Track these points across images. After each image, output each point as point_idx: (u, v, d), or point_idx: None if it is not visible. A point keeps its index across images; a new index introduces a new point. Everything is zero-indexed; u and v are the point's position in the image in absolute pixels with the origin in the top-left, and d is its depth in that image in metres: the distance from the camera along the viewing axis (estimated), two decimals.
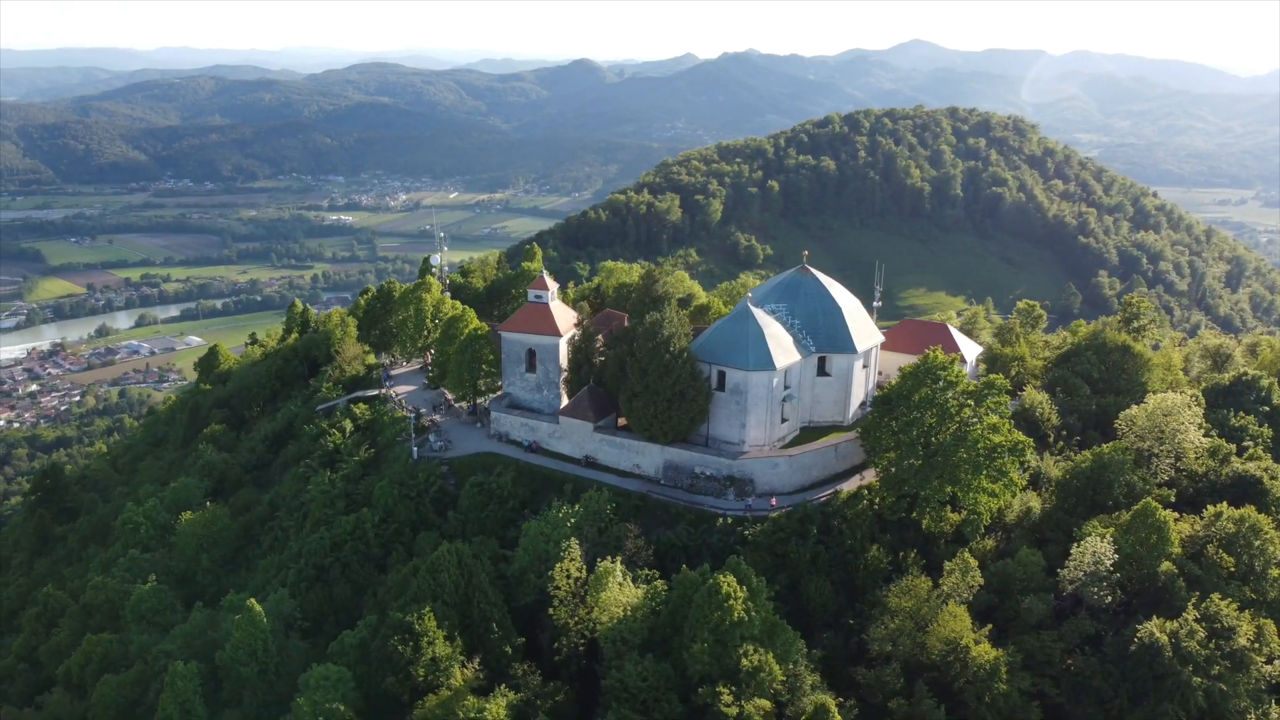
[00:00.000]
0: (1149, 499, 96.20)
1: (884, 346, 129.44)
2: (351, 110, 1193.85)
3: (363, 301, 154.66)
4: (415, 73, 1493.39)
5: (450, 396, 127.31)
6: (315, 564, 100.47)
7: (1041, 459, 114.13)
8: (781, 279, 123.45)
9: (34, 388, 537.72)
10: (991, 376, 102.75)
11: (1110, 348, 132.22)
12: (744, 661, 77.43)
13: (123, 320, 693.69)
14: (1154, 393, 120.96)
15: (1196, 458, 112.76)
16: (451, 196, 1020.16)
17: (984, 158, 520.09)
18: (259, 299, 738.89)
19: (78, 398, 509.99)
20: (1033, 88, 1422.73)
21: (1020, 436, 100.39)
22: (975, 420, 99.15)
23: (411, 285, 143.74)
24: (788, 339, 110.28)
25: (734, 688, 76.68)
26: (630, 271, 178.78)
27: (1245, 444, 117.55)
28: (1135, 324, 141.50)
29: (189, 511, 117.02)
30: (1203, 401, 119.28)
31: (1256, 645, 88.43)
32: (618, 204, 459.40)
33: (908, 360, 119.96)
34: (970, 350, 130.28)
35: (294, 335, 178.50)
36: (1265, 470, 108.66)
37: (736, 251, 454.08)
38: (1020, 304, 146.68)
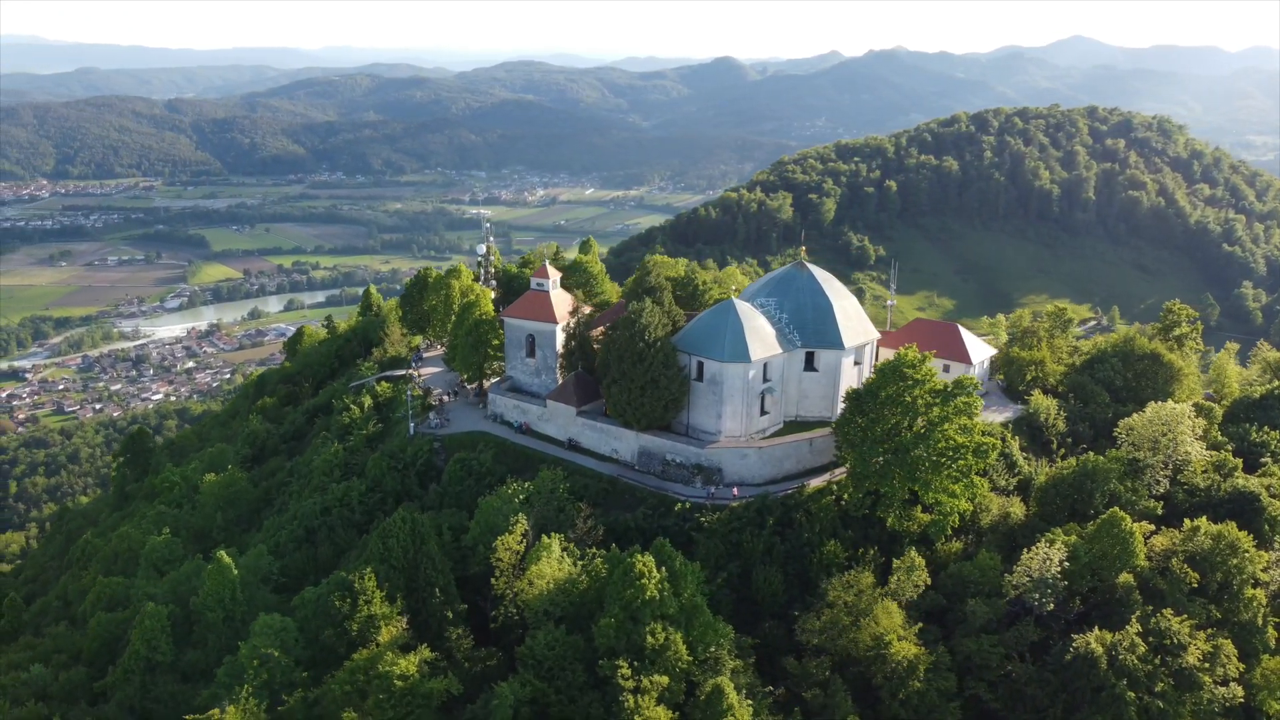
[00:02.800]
0: (1116, 509, 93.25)
1: (894, 345, 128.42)
2: (497, 107, 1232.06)
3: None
4: (560, 70, 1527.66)
5: (464, 378, 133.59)
6: (305, 526, 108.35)
7: (1035, 465, 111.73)
8: (777, 274, 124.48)
9: (190, 364, 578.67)
10: (963, 377, 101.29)
11: (1137, 355, 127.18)
12: (649, 639, 79.89)
13: (273, 304, 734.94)
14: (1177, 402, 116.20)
15: (1203, 472, 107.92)
16: (587, 193, 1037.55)
17: (1122, 160, 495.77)
18: (398, 287, 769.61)
19: (228, 375, 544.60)
20: (1202, 86, 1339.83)
21: (986, 439, 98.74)
22: (942, 419, 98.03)
23: (443, 272, 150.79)
24: (770, 333, 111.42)
25: (637, 663, 79.28)
26: (675, 266, 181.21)
27: (1263, 460, 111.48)
28: (1174, 332, 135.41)
29: (212, 474, 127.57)
30: (1218, 414, 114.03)
31: (1208, 665, 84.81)
32: (729, 201, 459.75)
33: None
34: (980, 352, 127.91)
35: (357, 318, 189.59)
36: (1267, 488, 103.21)
37: (848, 252, 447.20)
38: (1049, 307, 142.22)
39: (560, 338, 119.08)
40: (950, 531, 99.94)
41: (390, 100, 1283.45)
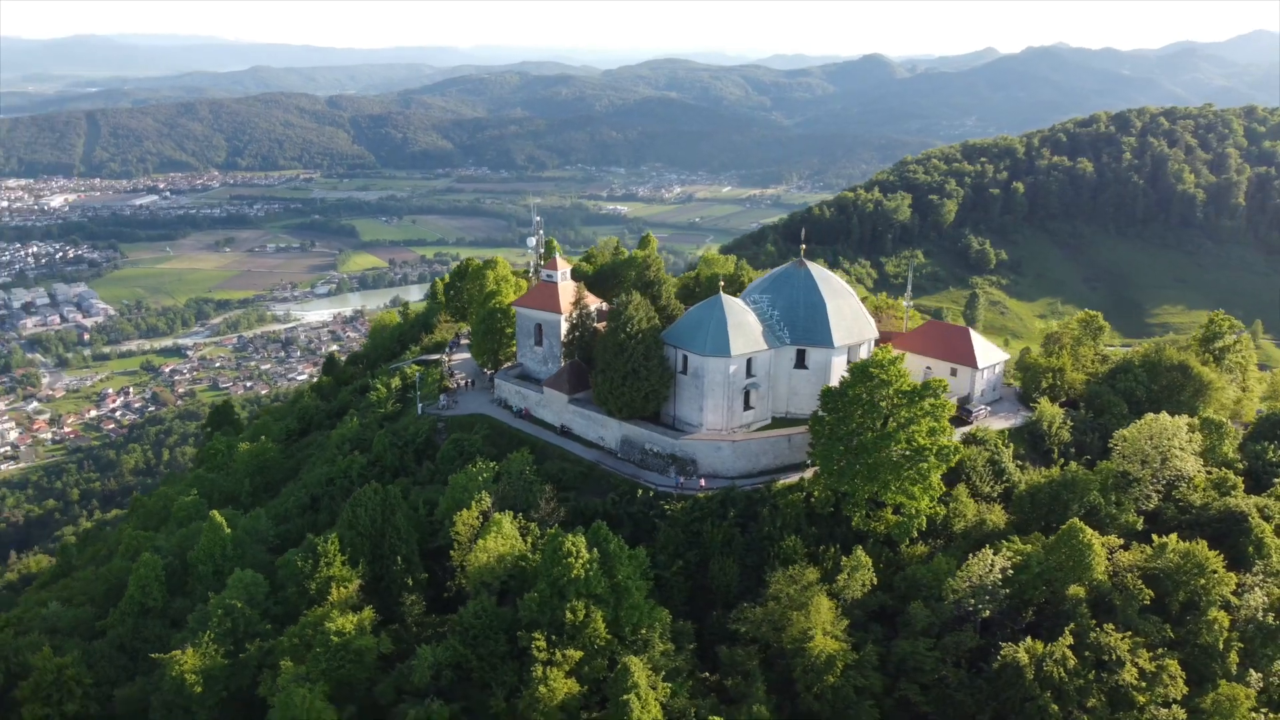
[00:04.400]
0: (1075, 520, 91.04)
1: (904, 347, 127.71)
2: (639, 105, 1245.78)
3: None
4: (704, 68, 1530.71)
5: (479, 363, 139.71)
6: (311, 494, 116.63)
7: (1025, 474, 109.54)
8: (776, 271, 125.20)
9: (334, 347, 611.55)
10: (933, 379, 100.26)
11: (1165, 366, 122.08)
12: (569, 615, 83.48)
13: (415, 293, 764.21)
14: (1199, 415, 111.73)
15: (1204, 488, 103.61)
16: (724, 190, 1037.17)
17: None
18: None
19: None
20: None
21: (948, 442, 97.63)
22: (908, 421, 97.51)
23: (480, 262, 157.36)
24: (756, 329, 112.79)
25: (555, 636, 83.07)
26: (726, 263, 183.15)
27: (1276, 480, 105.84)
28: (1216, 344, 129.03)
29: (246, 443, 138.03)
30: (1230, 430, 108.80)
31: (1145, 685, 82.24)
32: (845, 201, 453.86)
33: (928, 361, 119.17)
34: (990, 357, 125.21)
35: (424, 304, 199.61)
36: (1261, 509, 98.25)
37: (967, 255, 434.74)
38: (1080, 314, 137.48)
39: (565, 327, 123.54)
40: (916, 534, 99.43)
41: (536, 97, 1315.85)
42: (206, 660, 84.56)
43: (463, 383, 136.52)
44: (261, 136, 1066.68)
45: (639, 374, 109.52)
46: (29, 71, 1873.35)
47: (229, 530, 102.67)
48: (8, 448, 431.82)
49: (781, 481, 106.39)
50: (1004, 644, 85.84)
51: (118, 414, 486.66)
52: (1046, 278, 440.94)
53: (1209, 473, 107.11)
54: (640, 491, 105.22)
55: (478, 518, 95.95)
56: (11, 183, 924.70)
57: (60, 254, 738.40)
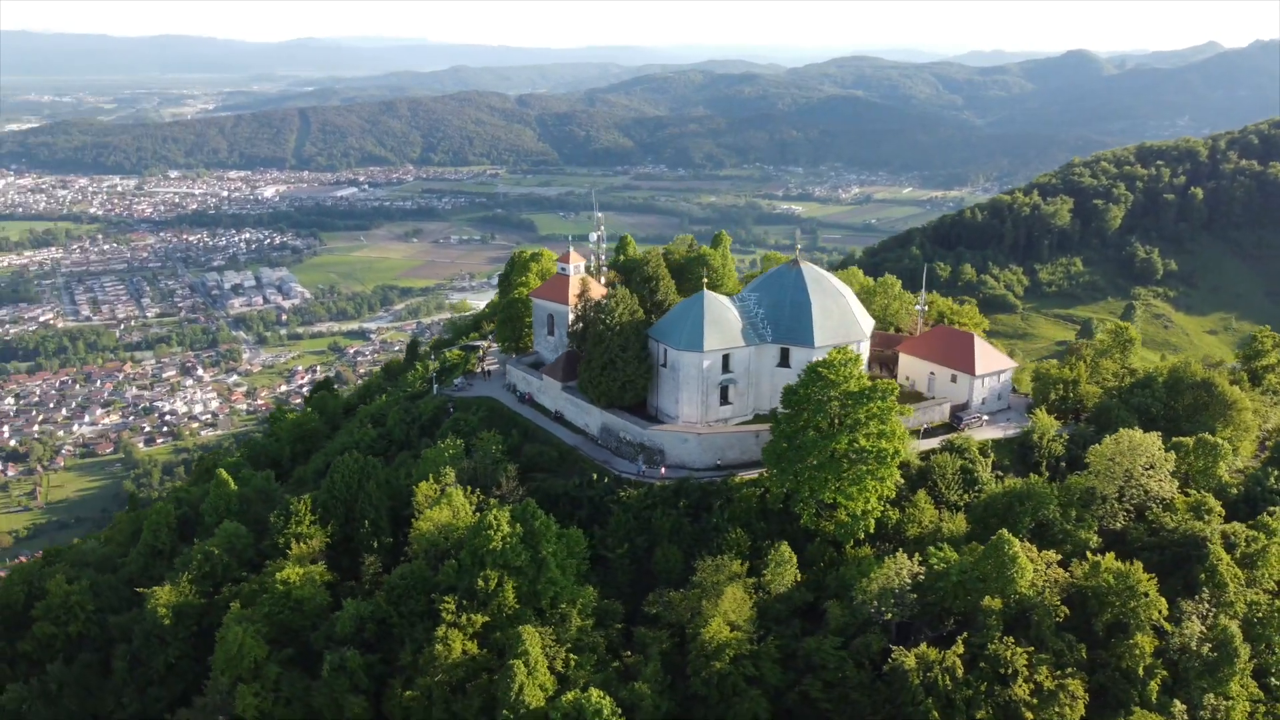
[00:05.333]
0: (1003, 531, 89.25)
1: (911, 351, 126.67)
2: (822, 103, 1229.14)
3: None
4: (893, 66, 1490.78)
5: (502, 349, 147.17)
6: (326, 460, 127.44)
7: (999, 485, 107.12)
8: (773, 270, 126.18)
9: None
10: (882, 382, 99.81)
11: (1187, 384, 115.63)
12: (480, 583, 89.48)
13: None
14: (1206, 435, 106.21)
15: (1183, 511, 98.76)
16: (904, 192, 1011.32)
17: None
18: None
19: None
20: None
21: (893, 446, 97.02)
22: (854, 423, 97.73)
23: (528, 254, 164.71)
24: (735, 326, 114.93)
25: (466, 601, 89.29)
26: (784, 261, 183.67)
27: (1272, 509, 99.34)
28: (1258, 363, 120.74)
29: (294, 413, 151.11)
30: (1227, 452, 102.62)
31: (1036, 702, 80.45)
32: (1000, 204, 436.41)
33: (932, 367, 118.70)
34: (993, 365, 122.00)
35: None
36: (1226, 536, 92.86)
37: (1131, 264, 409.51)
38: (1109, 323, 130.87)
39: (571, 318, 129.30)
40: (863, 536, 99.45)
41: (719, 96, 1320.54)
42: (179, 597, 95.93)
43: (490, 368, 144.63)
44: (454, 133, 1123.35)
45: (615, 364, 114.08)
46: (256, 72, 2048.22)
47: (234, 487, 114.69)
48: (209, 415, 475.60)
49: (741, 476, 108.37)
50: (895, 648, 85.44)
51: (304, 389, 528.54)
52: (1223, 291, 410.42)
53: (1186, 494, 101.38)
54: (597, 477, 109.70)
55: (437, 490, 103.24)
56: (233, 174, 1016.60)
57: (268, 240, 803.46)
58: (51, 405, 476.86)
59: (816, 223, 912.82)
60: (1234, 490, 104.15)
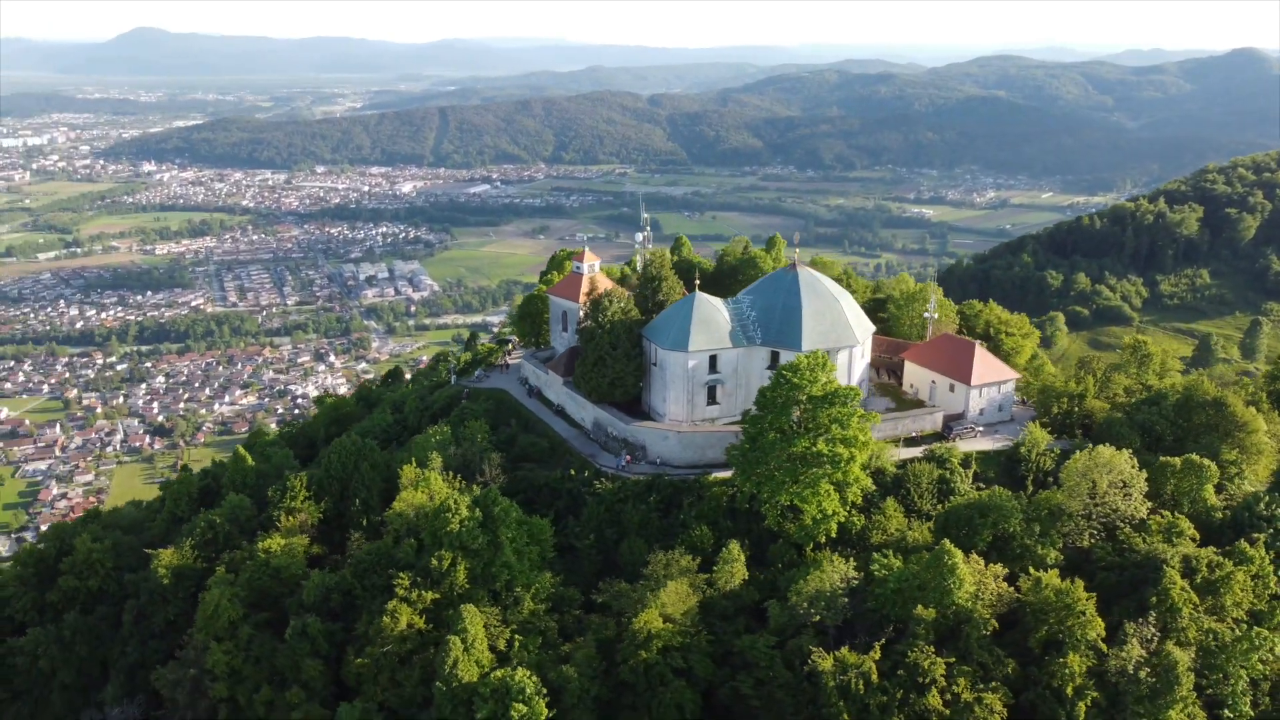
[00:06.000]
0: (946, 542, 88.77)
1: (914, 359, 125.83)
2: (961, 104, 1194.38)
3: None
4: (1040, 65, 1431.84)
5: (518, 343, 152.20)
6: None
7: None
8: (770, 274, 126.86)
9: None
10: (847, 387, 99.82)
11: (1198, 402, 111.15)
12: (433, 562, 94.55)
13: None
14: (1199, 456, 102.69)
15: (1156, 532, 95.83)
16: (1044, 197, 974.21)
17: None
18: None
19: None
20: None
21: (849, 451, 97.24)
22: (816, 427, 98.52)
23: (566, 253, 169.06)
24: (723, 328, 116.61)
25: (420, 579, 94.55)
26: (833, 267, 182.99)
27: (1256, 535, 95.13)
28: None
29: (331, 397, 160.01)
30: (1213, 472, 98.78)
31: (949, 713, 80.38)
32: (1122, 211, 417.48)
33: (934, 375, 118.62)
34: (992, 375, 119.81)
35: None
36: (1185, 560, 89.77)
37: (1264, 277, 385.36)
38: (1127, 338, 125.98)
39: (581, 315, 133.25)
40: (823, 540, 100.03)
41: (854, 96, 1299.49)
42: (180, 560, 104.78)
43: (512, 362, 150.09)
44: (585, 132, 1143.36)
45: (605, 361, 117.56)
46: (403, 72, 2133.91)
47: (251, 462, 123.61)
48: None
49: (716, 475, 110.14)
50: (814, 650, 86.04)
51: None
52: None
53: (1160, 515, 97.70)
54: (575, 469, 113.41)
55: (419, 474, 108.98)
56: (374, 170, 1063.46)
57: (403, 234, 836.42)
58: (197, 385, 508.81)
59: (947, 227, 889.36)
60: (1219, 514, 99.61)
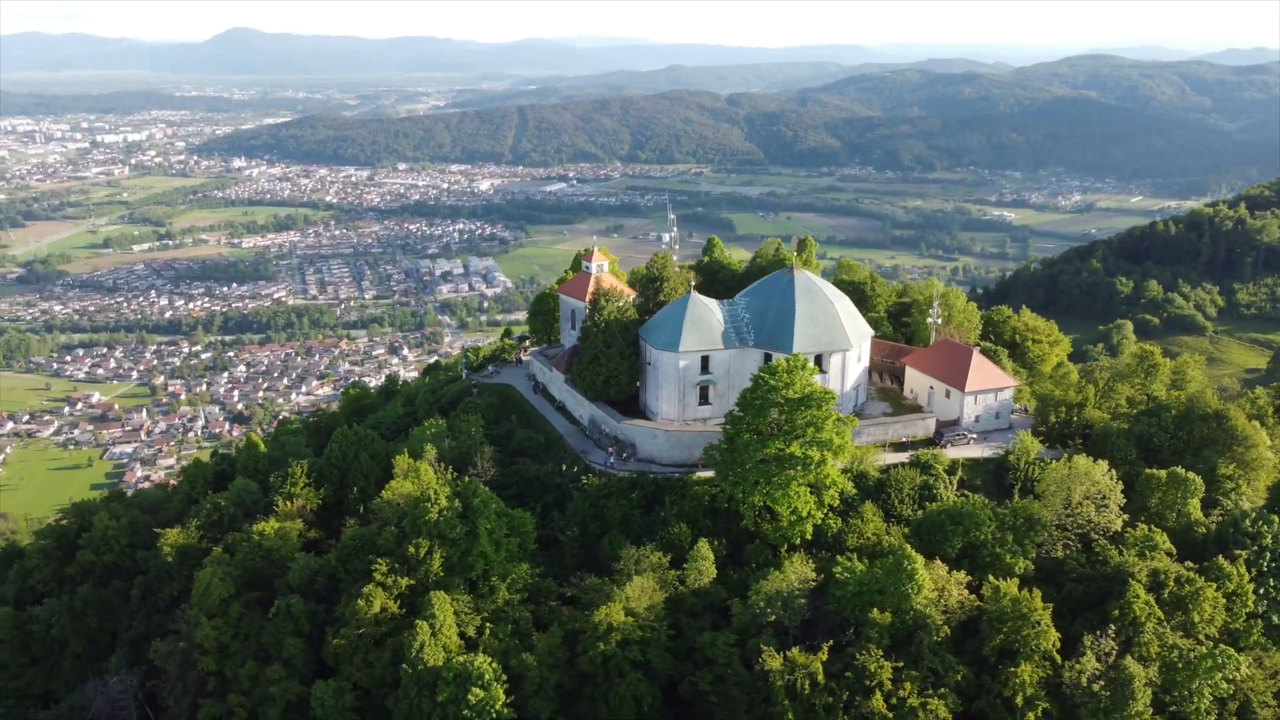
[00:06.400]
0: (908, 547, 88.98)
1: (914, 364, 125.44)
2: (1049, 105, 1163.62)
3: None
4: (1133, 65, 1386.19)
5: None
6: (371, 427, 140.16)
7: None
8: (768, 276, 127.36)
9: None
10: (824, 391, 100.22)
11: (1199, 415, 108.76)
12: (411, 550, 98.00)
13: None
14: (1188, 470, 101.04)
15: (1133, 544, 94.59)
16: (1133, 201, 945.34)
17: None
18: (894, 284, 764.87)
19: None
20: None
21: (820, 454, 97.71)
22: (790, 429, 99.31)
23: (585, 251, 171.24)
24: (716, 329, 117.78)
25: (399, 565, 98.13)
26: (859, 270, 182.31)
27: (1238, 552, 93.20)
28: None
29: (354, 389, 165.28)
30: (1198, 486, 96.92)
31: (892, 716, 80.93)
32: (1199, 217, 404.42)
33: (932, 381, 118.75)
34: (989, 382, 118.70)
35: None
36: (1153, 574, 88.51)
37: None
38: (1133, 347, 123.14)
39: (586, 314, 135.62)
40: (799, 541, 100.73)
41: (936, 96, 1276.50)
42: (185, 539, 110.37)
43: (525, 359, 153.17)
44: (662, 132, 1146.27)
45: (600, 360, 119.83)
46: (485, 71, 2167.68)
47: (264, 449, 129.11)
48: None
49: (699, 474, 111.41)
50: (765, 648, 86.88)
51: None
52: None
53: (1134, 528, 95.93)
54: (566, 465, 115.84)
55: (412, 464, 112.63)
56: (454, 168, 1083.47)
57: (479, 231, 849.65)
58: (275, 374, 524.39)
59: (1029, 230, 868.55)
60: (1201, 530, 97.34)
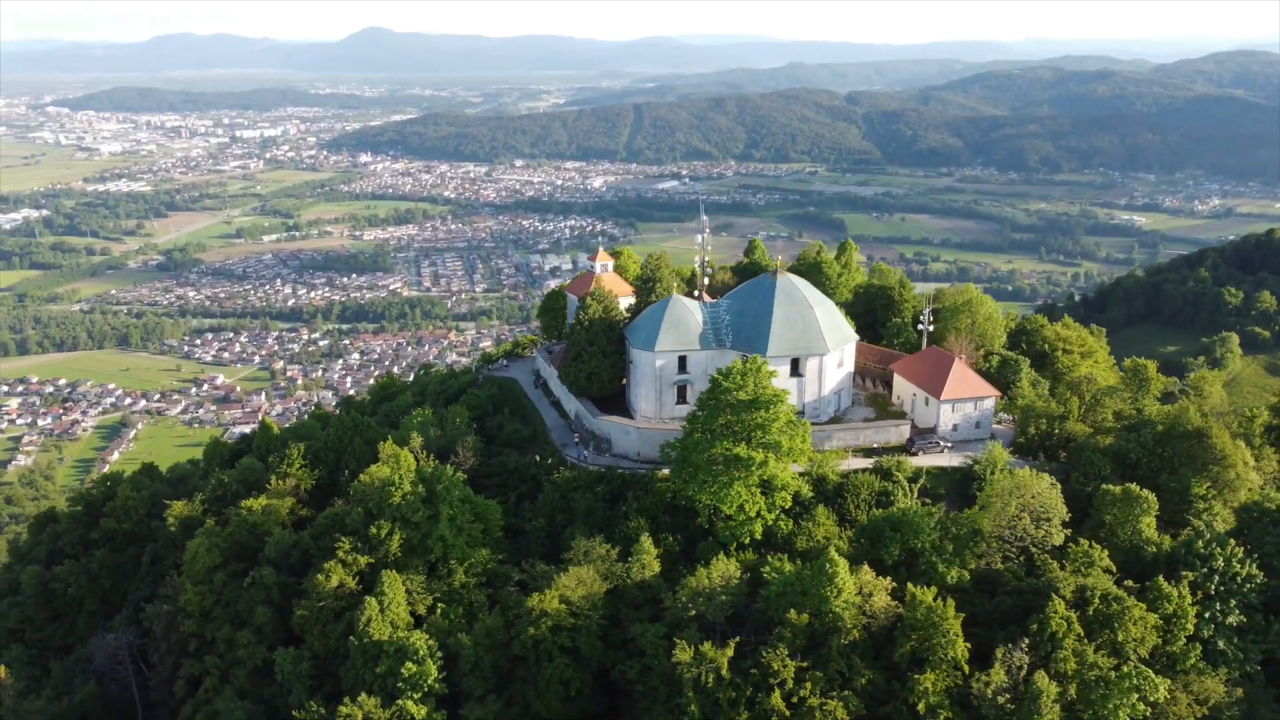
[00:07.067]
0: (831, 551, 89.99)
1: (901, 371, 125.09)
2: (1190, 104, 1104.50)
3: None
4: None
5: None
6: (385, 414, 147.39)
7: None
8: (753, 279, 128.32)
9: None
10: (773, 394, 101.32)
11: (1180, 432, 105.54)
12: (373, 530, 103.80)
13: None
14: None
15: (1074, 559, 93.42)
16: (1278, 206, 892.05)
17: None
18: (1009, 289, 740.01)
19: None
20: None
21: (761, 455, 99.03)
22: (740, 430, 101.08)
23: (610, 251, 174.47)
24: (693, 330, 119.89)
25: (360, 544, 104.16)
26: (890, 274, 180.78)
27: (1184, 573, 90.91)
28: None
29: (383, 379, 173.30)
30: (1151, 502, 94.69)
31: (789, 714, 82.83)
32: None
33: (915, 388, 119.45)
34: (968, 391, 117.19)
35: None
36: (1078, 591, 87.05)
37: None
38: (1128, 361, 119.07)
39: None
40: (747, 540, 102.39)
41: (1068, 95, 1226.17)
42: (189, 512, 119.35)
43: (534, 353, 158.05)
44: (778, 130, 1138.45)
45: (582, 357, 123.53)
46: (606, 69, 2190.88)
47: (276, 431, 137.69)
48: None
49: (665, 471, 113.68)
50: (678, 641, 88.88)
51: None
52: None
53: (1074, 544, 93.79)
54: (539, 457, 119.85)
55: (395, 450, 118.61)
56: (569, 164, 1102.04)
57: (590, 228, 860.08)
58: (387, 363, 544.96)
59: (1160, 236, 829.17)
60: (1152, 549, 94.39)
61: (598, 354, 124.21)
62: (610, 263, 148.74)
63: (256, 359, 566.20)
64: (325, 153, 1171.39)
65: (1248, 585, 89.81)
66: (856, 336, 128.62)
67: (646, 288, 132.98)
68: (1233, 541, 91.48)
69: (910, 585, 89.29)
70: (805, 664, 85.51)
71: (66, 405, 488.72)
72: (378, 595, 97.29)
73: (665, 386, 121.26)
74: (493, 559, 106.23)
